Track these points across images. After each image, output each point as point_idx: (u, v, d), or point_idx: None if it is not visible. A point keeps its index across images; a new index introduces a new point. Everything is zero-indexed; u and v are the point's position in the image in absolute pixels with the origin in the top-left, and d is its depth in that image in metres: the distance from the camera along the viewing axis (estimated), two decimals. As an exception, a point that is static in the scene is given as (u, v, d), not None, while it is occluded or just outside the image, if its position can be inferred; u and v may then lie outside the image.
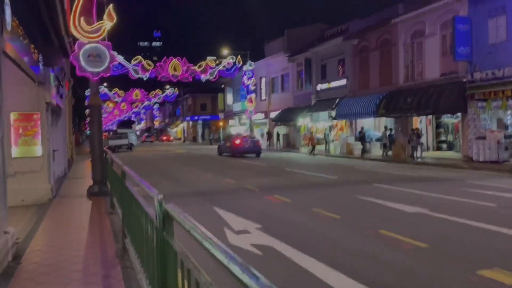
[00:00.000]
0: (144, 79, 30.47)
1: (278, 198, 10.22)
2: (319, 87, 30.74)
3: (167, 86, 58.26)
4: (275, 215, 8.43)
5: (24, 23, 6.52)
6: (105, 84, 52.00)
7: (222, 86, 52.70)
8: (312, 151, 26.09)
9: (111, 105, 72.08)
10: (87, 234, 6.68)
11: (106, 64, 10.41)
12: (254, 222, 7.60)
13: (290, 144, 35.68)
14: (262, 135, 41.23)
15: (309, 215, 8.32)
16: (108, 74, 10.80)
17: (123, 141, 37.54)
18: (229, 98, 51.37)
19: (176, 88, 58.55)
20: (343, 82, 28.05)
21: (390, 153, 22.46)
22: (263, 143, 39.30)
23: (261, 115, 40.91)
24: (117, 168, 6.65)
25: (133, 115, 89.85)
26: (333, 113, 28.20)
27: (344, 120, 27.62)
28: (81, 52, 10.18)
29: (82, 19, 10.11)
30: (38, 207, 9.17)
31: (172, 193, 11.34)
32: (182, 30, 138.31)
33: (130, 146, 38.04)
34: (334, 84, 29.09)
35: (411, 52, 22.95)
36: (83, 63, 10.21)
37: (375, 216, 8.13)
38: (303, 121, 32.59)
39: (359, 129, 27.00)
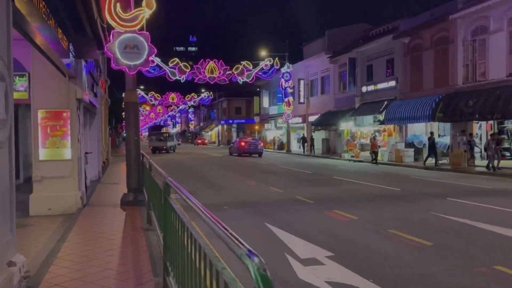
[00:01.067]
0: (182, 81, 29.59)
1: (341, 215, 8.62)
2: (364, 89, 28.77)
3: (203, 90, 57.65)
4: (345, 238, 6.85)
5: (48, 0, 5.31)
6: (141, 87, 52.04)
7: (258, 89, 51.45)
8: (374, 159, 23.51)
9: (147, 108, 72.39)
10: (119, 259, 5.36)
11: (145, 56, 9.19)
12: (322, 248, 6.09)
13: (330, 150, 33.78)
14: (298, 140, 39.51)
15: (389, 239, 6.68)
16: (146, 68, 9.60)
17: (173, 143, 42.43)
18: (265, 101, 49.98)
19: (211, 92, 57.86)
20: (392, 83, 26.01)
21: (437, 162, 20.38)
22: (298, 149, 37.87)
23: (299, 119, 39.22)
24: (158, 178, 5.33)
25: (168, 118, 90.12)
26: (380, 117, 26.16)
27: (392, 124, 25.52)
28: (116, 42, 9.02)
29: (118, 5, 8.96)
30: (65, 218, 8.02)
31: (215, 204, 10.00)
32: (217, 35, 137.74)
33: (174, 148, 42.50)
34: (381, 85, 27.05)
35: (472, 51, 20.74)
36: (118, 55, 9.04)
37: (474, 243, 6.41)
38: (346, 125, 30.63)
39: (409, 134, 24.93)
